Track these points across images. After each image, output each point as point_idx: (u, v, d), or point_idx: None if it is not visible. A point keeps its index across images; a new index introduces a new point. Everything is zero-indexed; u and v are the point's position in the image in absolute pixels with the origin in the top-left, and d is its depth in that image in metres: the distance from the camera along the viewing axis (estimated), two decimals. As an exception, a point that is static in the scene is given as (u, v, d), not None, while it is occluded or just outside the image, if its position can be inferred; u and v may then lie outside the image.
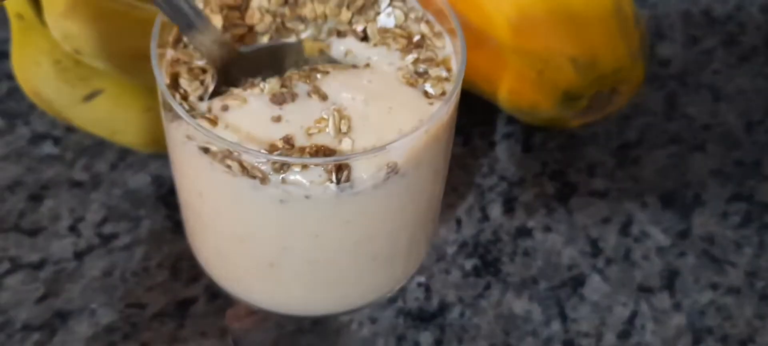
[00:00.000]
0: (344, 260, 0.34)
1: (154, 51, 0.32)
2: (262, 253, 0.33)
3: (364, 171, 0.30)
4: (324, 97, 0.33)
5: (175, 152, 0.34)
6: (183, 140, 0.32)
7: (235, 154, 0.30)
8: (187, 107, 0.32)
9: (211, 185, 0.32)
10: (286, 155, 0.31)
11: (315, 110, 0.32)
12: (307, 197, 0.30)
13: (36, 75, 0.44)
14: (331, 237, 0.33)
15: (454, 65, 0.35)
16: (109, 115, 0.45)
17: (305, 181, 0.30)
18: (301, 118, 0.32)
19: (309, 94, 0.33)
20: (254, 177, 0.30)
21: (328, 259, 0.34)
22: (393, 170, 0.31)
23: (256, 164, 0.30)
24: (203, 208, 0.34)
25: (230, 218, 0.33)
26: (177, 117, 0.31)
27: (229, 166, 0.30)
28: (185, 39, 0.34)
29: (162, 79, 0.32)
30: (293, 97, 0.32)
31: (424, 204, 0.35)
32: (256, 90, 0.33)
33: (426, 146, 0.32)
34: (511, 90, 0.47)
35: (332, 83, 0.33)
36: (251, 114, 0.32)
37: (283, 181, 0.30)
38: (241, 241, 0.33)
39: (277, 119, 0.32)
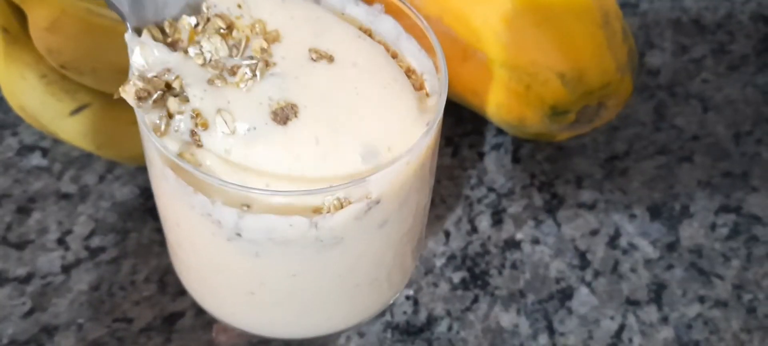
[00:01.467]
0: (326, 290, 0.34)
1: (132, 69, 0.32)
2: (241, 283, 0.33)
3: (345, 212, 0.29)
4: (330, 59, 0.31)
5: (154, 177, 0.34)
6: (162, 169, 0.31)
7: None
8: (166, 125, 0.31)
9: (187, 219, 0.32)
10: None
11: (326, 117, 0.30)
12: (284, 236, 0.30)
13: (22, 89, 0.44)
14: (310, 274, 0.32)
15: (427, 85, 0.35)
16: (96, 130, 0.45)
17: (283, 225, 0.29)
18: (316, 164, 0.29)
19: (312, 59, 0.30)
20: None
21: (309, 290, 0.33)
22: (374, 201, 0.30)
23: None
24: (180, 234, 0.33)
25: (207, 252, 0.33)
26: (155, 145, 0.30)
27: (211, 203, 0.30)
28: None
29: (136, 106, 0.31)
30: (295, 111, 0.30)
31: (408, 227, 0.34)
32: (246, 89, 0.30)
33: (407, 174, 0.31)
34: (498, 104, 0.47)
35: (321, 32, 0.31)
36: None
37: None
38: (219, 271, 0.33)
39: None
